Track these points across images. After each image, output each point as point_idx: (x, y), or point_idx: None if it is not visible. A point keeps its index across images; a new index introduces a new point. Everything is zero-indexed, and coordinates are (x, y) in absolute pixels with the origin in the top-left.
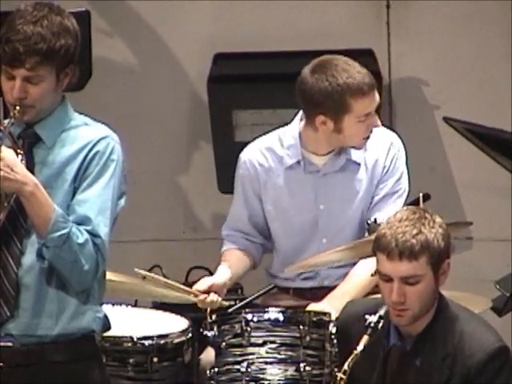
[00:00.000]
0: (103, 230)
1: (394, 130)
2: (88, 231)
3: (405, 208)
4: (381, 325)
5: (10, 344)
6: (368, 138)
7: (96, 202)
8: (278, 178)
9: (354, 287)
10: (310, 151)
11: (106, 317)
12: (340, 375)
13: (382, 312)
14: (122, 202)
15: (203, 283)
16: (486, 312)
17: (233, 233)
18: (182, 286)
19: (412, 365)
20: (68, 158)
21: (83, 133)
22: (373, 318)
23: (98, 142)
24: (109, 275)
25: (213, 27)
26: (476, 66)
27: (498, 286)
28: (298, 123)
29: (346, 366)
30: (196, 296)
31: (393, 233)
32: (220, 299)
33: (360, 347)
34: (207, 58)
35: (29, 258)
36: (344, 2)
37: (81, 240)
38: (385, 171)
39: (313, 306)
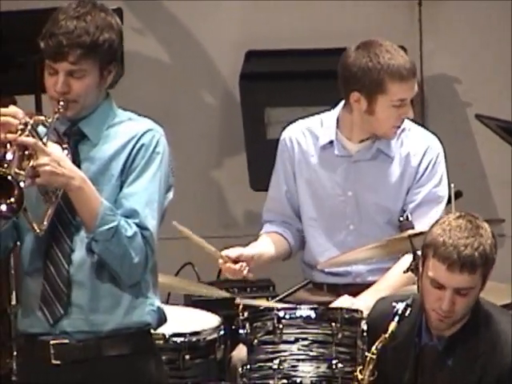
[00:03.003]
0: (151, 223)
1: (433, 133)
2: (136, 224)
3: (456, 214)
4: (408, 312)
5: (65, 341)
6: (399, 127)
7: (143, 194)
8: (313, 158)
9: (389, 287)
10: (344, 135)
11: (160, 309)
12: (370, 355)
13: (409, 301)
14: (170, 195)
15: (233, 251)
16: None
17: (272, 216)
18: (213, 249)
19: (444, 365)
20: (113, 152)
21: (127, 127)
22: (400, 306)
23: (143, 135)
24: None
25: (245, 25)
26: (508, 63)
27: None
28: (339, 108)
29: (374, 348)
30: (225, 262)
31: (455, 244)
32: (246, 271)
33: (389, 332)
34: (239, 55)
35: (79, 254)
36: None
37: (129, 233)
38: (419, 176)
39: (344, 300)
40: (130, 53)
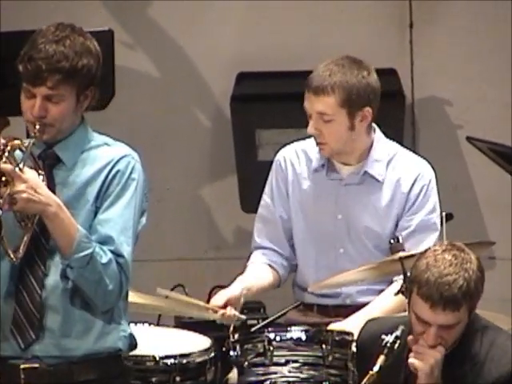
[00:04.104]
0: (126, 250)
1: (425, 159)
2: (111, 251)
3: (443, 246)
4: (397, 345)
5: (36, 365)
6: (317, 143)
7: (118, 221)
8: (305, 181)
9: (380, 311)
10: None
11: (131, 335)
12: None
13: (398, 332)
14: (144, 220)
15: (219, 298)
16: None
17: (263, 242)
18: (202, 304)
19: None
20: (89, 178)
21: (103, 153)
22: (389, 338)
23: (118, 161)
24: (131, 295)
25: (236, 46)
26: (499, 85)
27: None
28: None
29: None
30: (216, 312)
31: (438, 283)
32: (237, 313)
33: (376, 367)
34: (230, 77)
35: (52, 279)
36: (367, 21)
37: (104, 260)
38: (411, 203)
39: (334, 325)
40: (121, 72)
